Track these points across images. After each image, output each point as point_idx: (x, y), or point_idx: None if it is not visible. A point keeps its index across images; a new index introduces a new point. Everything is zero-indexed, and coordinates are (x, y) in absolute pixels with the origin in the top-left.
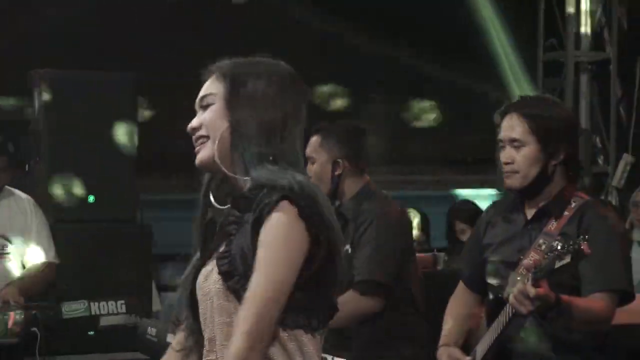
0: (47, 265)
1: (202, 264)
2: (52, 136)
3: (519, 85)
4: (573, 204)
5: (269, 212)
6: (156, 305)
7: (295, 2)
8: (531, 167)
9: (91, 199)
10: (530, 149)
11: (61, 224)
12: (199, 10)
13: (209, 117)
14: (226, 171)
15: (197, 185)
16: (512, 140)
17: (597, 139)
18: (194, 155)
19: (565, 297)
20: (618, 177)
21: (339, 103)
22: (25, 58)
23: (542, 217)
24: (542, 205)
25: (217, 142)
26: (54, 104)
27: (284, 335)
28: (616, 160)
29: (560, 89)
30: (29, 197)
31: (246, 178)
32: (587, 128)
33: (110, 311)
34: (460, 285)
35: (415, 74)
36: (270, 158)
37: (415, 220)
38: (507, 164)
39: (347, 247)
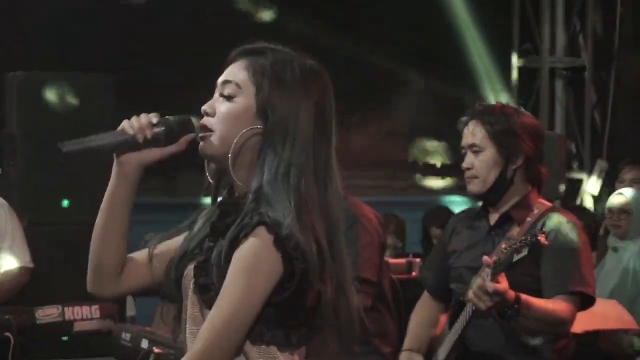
0: (21, 270)
1: (191, 257)
2: (26, 139)
3: (494, 91)
4: (535, 211)
5: (246, 235)
6: (130, 310)
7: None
8: (490, 171)
9: (65, 203)
10: (488, 154)
11: (35, 228)
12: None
13: (227, 114)
14: (232, 173)
15: (168, 190)
16: (472, 146)
17: (572, 145)
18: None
19: (524, 295)
20: (593, 183)
21: None
22: (1, 60)
23: (504, 222)
24: (504, 211)
25: (234, 139)
26: (29, 106)
27: (257, 350)
28: (591, 166)
29: (536, 95)
30: (3, 201)
31: (245, 184)
32: (562, 134)
33: (85, 316)
34: (425, 294)
35: (390, 77)
36: (288, 170)
37: (391, 226)
38: (467, 169)
39: None
